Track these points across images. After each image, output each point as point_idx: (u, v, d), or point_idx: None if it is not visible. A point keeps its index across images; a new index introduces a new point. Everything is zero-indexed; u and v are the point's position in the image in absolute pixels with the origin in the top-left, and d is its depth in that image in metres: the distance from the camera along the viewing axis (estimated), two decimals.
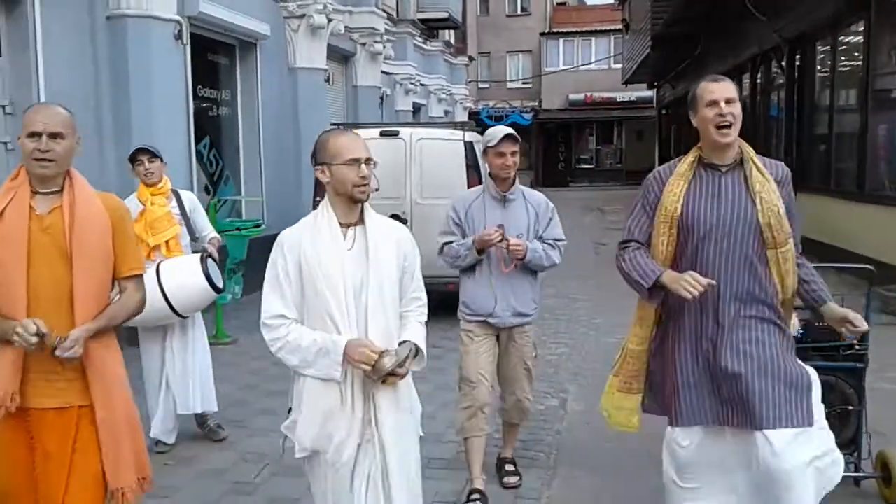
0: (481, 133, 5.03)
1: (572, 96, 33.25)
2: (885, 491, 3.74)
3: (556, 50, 34.15)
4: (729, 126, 2.79)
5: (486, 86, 34.64)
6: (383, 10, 14.75)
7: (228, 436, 4.87)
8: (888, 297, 7.57)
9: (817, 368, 3.89)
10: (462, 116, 22.75)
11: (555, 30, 34.50)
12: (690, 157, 2.95)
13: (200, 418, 4.86)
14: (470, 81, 27.86)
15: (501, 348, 4.03)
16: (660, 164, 3.58)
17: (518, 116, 32.27)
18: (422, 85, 18.89)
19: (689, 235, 2.88)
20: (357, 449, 2.58)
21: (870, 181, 9.47)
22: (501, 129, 3.93)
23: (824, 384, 3.87)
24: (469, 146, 7.77)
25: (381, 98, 15.47)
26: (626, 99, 32.38)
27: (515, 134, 3.93)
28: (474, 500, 3.84)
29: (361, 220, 2.66)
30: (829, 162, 11.01)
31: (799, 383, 2.88)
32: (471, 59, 27.08)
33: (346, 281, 2.55)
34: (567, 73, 33.00)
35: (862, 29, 9.70)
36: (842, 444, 3.91)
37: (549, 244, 3.95)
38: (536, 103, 33.93)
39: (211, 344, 5.14)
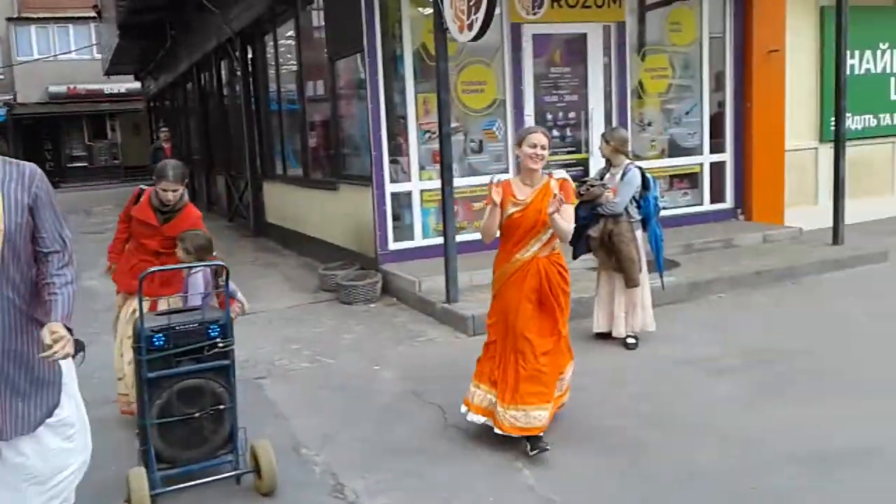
0: None
1: (53, 88, 30.03)
2: (258, 482, 3.78)
3: (27, 37, 30.43)
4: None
5: None
6: None
7: None
8: (325, 276, 8.13)
9: (187, 373, 3.82)
10: None
11: (25, 14, 30.66)
12: None
13: None
14: None
15: None
16: None
17: None
18: None
19: None
20: None
21: (312, 169, 10.15)
22: None
23: (194, 388, 3.81)
24: None
25: None
26: (116, 91, 30.38)
27: None
28: None
29: None
30: (283, 153, 11.57)
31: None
32: None
33: None
34: (45, 62, 29.66)
35: (293, 26, 10.28)
36: (220, 445, 3.91)
37: None
38: (11, 97, 29.86)
39: None
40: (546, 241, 4.14)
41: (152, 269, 3.96)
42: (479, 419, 4.23)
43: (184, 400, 3.69)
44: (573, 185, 4.36)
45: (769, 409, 4.53)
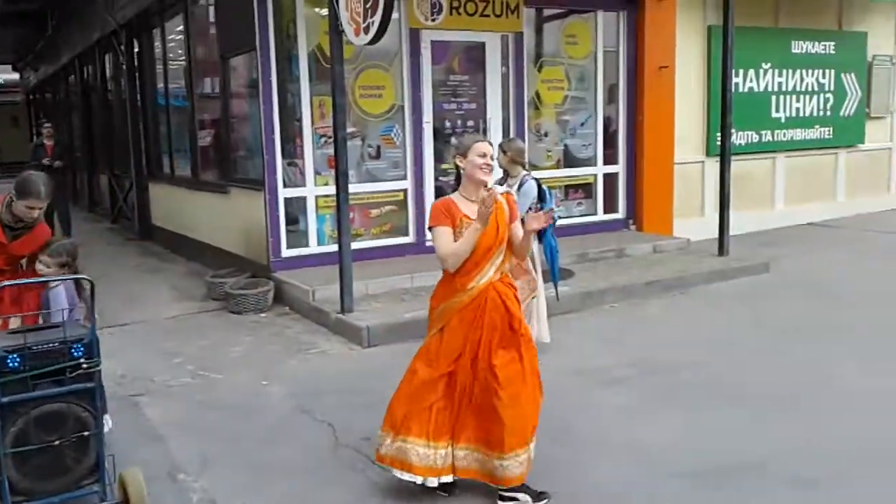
0: None
1: None
2: None
3: None
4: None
5: None
6: None
7: None
8: (213, 284, 7.75)
9: (46, 397, 3.47)
10: None
11: None
12: None
13: None
14: None
15: None
16: None
17: None
18: None
19: None
20: None
21: (201, 170, 9.70)
22: None
23: (54, 414, 3.46)
24: None
25: None
26: None
27: None
28: None
29: None
30: (171, 152, 11.04)
31: None
32: None
33: None
34: None
35: (182, 20, 9.81)
36: (85, 474, 3.57)
37: None
38: None
39: None
40: (499, 265, 3.65)
41: (5, 283, 3.59)
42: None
43: (42, 426, 3.34)
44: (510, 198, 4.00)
45: (661, 420, 4.57)
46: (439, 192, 8.58)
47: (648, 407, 4.78)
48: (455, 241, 3.55)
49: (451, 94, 8.64)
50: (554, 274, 5.93)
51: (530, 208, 5.43)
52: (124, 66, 12.05)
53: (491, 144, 3.76)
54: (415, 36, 8.17)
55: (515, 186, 5.69)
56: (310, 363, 5.78)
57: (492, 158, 3.68)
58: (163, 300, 7.93)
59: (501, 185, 5.79)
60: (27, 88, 25.22)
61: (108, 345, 4.16)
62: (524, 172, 5.76)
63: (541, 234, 5.81)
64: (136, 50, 11.87)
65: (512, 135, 8.81)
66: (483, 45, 8.70)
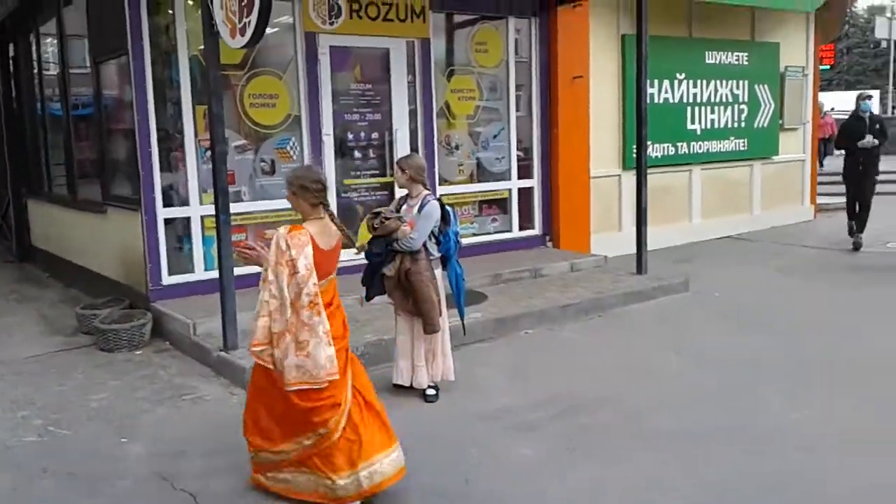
0: None
1: None
2: None
3: None
4: None
5: None
6: None
7: None
8: (83, 316, 6.89)
9: None
10: None
11: None
12: None
13: None
14: None
15: None
16: None
17: None
18: None
19: None
20: None
21: (79, 187, 8.78)
22: None
23: None
24: None
25: None
26: None
27: None
28: None
29: None
30: (48, 167, 10.03)
31: None
32: None
33: None
34: None
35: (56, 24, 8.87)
36: None
37: None
38: None
39: None
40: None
41: None
42: None
43: None
44: (293, 235, 3.62)
45: (573, 471, 4.05)
46: (343, 209, 7.94)
47: (557, 459, 4.23)
48: None
49: (354, 105, 8.02)
50: (460, 305, 5.36)
51: (377, 226, 4.94)
52: None
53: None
54: (311, 41, 7.51)
55: (416, 207, 5.11)
56: (181, 412, 5.03)
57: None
58: (27, 335, 7.02)
59: (400, 207, 5.22)
60: None
61: None
62: (426, 192, 5.18)
63: (445, 260, 5.25)
64: (11, 54, 10.80)
65: (420, 147, 8.26)
66: (387, 51, 8.11)
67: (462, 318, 5.41)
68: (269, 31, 5.32)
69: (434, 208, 5.08)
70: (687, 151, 10.87)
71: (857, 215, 10.35)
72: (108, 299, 7.32)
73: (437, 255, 5.18)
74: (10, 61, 10.82)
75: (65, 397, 5.33)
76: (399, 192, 5.48)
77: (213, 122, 5.59)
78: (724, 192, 11.49)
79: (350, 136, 8.02)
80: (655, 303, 7.70)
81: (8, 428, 4.79)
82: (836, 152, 11.72)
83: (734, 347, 6.24)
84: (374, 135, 8.18)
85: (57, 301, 8.39)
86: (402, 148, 8.06)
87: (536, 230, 9.39)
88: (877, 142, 9.98)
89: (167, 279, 6.96)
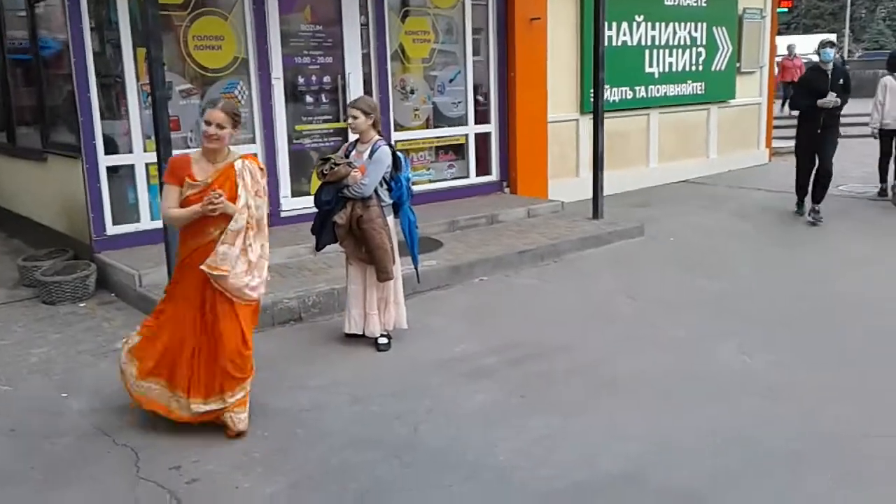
0: None
1: None
2: None
3: None
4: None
5: None
6: None
7: None
8: (25, 269, 6.65)
9: None
10: None
11: None
12: None
13: None
14: None
15: None
16: None
17: None
18: None
19: None
20: None
21: (18, 134, 8.39)
22: None
23: None
24: None
25: None
26: None
27: None
28: None
29: None
30: None
31: None
32: None
33: None
34: None
35: None
36: None
37: None
38: None
39: None
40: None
41: None
42: None
43: None
44: (260, 164, 4.02)
45: (528, 421, 4.02)
46: (296, 156, 7.74)
47: (512, 407, 4.20)
48: (180, 198, 3.78)
49: (305, 47, 7.73)
50: (413, 252, 5.26)
51: (327, 172, 4.86)
52: None
53: (228, 113, 3.82)
54: None
55: (366, 153, 4.95)
56: None
57: (219, 127, 3.76)
58: None
59: (349, 153, 5.06)
60: None
61: None
62: (377, 137, 5.02)
63: (397, 207, 5.13)
64: None
65: (374, 92, 8.04)
66: None
67: (416, 266, 5.32)
68: None
69: (385, 153, 4.93)
70: (645, 95, 10.79)
71: (814, 186, 8.67)
72: (50, 250, 7.07)
73: (389, 201, 5.06)
74: None
75: (5, 351, 5.15)
76: (353, 138, 5.30)
77: (151, 65, 5.33)
78: (681, 136, 11.47)
79: (301, 80, 7.75)
80: (611, 247, 7.69)
81: None
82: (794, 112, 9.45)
83: (690, 292, 6.27)
84: (327, 79, 7.92)
85: None
86: (355, 92, 7.82)
87: (494, 176, 9.28)
88: (839, 101, 8.25)
89: (111, 229, 6.73)
